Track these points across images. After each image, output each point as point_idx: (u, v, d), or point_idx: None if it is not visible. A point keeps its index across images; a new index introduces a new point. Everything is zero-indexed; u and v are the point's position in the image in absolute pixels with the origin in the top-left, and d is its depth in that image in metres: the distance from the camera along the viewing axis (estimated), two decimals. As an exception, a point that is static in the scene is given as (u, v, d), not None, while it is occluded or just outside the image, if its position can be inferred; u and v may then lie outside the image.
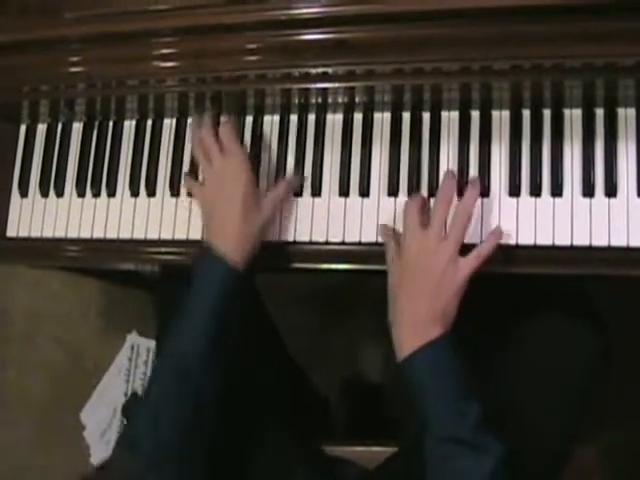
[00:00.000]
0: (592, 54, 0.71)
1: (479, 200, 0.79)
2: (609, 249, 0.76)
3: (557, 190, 0.78)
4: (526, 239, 0.78)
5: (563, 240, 0.77)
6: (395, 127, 0.84)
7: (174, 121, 0.91)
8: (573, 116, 0.80)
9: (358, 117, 0.85)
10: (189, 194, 0.89)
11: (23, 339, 1.59)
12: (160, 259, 0.90)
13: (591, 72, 0.72)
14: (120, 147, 0.93)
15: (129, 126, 0.93)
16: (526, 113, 0.81)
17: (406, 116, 0.84)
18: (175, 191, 0.89)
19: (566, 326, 0.81)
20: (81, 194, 0.93)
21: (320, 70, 0.78)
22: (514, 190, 0.79)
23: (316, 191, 0.85)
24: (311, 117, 0.86)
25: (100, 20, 0.79)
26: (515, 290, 0.91)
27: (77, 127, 0.95)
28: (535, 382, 0.80)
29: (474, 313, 0.77)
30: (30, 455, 1.53)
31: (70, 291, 1.58)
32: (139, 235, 0.89)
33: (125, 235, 0.90)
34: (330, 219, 0.84)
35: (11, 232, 0.95)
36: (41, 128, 0.96)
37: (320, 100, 0.84)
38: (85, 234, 0.92)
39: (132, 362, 1.52)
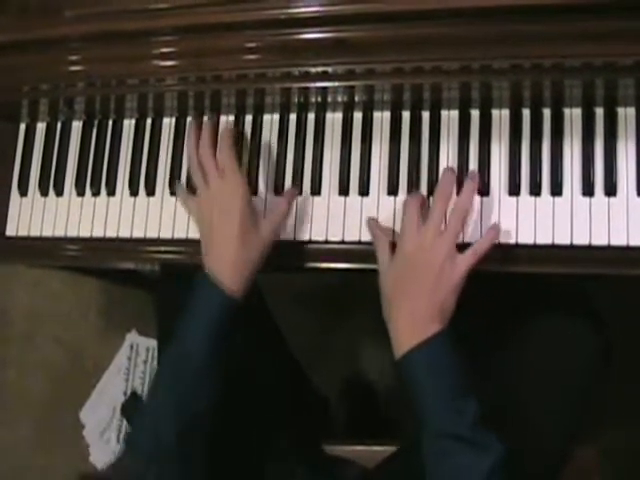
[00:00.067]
0: (592, 53, 0.71)
1: (479, 199, 0.79)
2: (609, 248, 0.76)
3: (557, 189, 0.78)
4: (526, 238, 0.78)
5: (563, 239, 0.77)
6: (395, 126, 0.84)
7: (174, 120, 0.91)
8: (573, 115, 0.79)
9: (358, 116, 0.85)
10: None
11: (23, 339, 1.59)
12: (160, 258, 0.90)
13: (591, 71, 0.72)
14: (120, 146, 0.92)
15: (129, 125, 0.93)
16: (526, 112, 0.81)
17: (406, 115, 0.84)
18: (175, 190, 0.89)
19: (566, 325, 0.81)
20: (80, 193, 0.93)
21: (320, 69, 0.77)
22: (514, 189, 0.79)
23: (316, 190, 0.85)
24: (311, 116, 0.86)
25: (100, 19, 0.79)
26: (515, 289, 0.91)
27: (77, 126, 0.94)
28: (535, 381, 0.80)
29: (474, 312, 0.77)
30: (30, 455, 1.53)
31: (70, 291, 1.58)
32: (139, 234, 0.89)
33: (125, 234, 0.90)
34: (330, 218, 0.84)
35: (10, 231, 0.95)
36: (41, 127, 0.96)
37: (320, 99, 0.84)
38: (85, 233, 0.91)
39: (131, 361, 1.52)
